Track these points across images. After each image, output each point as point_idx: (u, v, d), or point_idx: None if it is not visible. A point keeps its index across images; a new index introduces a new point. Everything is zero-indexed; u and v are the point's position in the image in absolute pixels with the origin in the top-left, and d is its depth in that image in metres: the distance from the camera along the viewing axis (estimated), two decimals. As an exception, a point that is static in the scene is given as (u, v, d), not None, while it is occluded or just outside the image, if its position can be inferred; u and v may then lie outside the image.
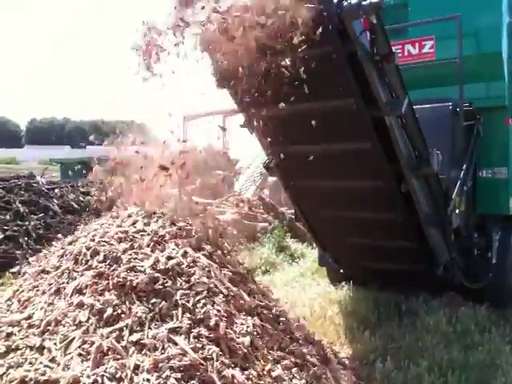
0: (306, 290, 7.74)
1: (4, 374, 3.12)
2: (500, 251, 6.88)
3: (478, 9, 6.65)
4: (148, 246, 3.93)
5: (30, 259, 6.16)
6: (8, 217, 8.89)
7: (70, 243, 4.38)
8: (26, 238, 8.43)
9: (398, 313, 6.29)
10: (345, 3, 4.30)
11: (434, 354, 4.89)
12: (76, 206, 9.96)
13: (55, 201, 9.77)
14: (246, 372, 3.24)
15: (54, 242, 5.19)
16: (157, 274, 3.64)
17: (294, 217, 8.57)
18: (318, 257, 8.23)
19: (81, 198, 10.33)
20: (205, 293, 3.61)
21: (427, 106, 6.44)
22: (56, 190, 10.22)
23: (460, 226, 6.32)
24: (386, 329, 5.76)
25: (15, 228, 8.66)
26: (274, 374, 3.36)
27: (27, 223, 8.83)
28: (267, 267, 9.51)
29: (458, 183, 6.36)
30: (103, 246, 3.97)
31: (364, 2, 4.31)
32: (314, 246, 11.15)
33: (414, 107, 5.39)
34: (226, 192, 13.23)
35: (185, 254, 3.89)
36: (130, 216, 4.42)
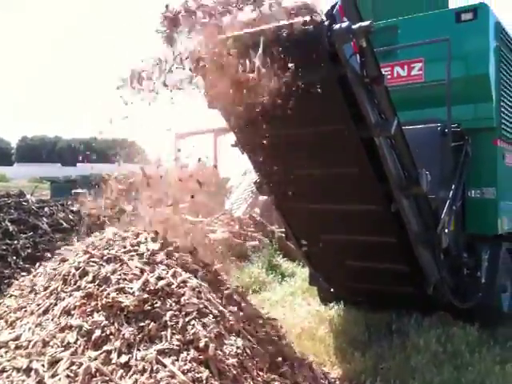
0: (297, 309, 7.72)
1: (-10, 397, 3.07)
2: (489, 271, 6.92)
3: (466, 33, 6.79)
4: (137, 266, 3.91)
5: (19, 278, 6.12)
6: (-3, 236, 8.80)
7: (59, 263, 4.36)
8: (14, 257, 8.32)
9: (389, 332, 6.30)
10: (335, 27, 4.35)
11: (424, 375, 4.89)
12: (65, 224, 9.88)
13: (45, 219, 9.66)
14: (236, 394, 3.22)
15: (42, 262, 5.16)
16: (146, 295, 3.62)
17: (284, 236, 8.58)
18: (308, 276, 8.22)
19: (70, 217, 10.25)
20: (195, 313, 3.60)
21: (416, 126, 6.52)
22: (46, 209, 10.13)
23: (449, 245, 6.36)
24: (377, 349, 5.75)
25: (4, 247, 8.56)
26: (265, 394, 3.34)
27: (16, 242, 8.71)
28: (257, 286, 9.48)
29: (447, 203, 6.41)
30: (92, 266, 3.95)
31: (354, 26, 4.37)
32: (305, 264, 11.20)
33: (403, 128, 5.45)
34: (217, 210, 13.23)
35: (174, 275, 3.88)
36: (119, 236, 4.41)
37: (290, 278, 10.20)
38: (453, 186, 6.68)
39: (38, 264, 4.98)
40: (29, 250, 8.65)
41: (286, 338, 4.49)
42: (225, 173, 16.72)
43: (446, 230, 6.25)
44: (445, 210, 6.31)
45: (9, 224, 9.08)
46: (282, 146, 5.27)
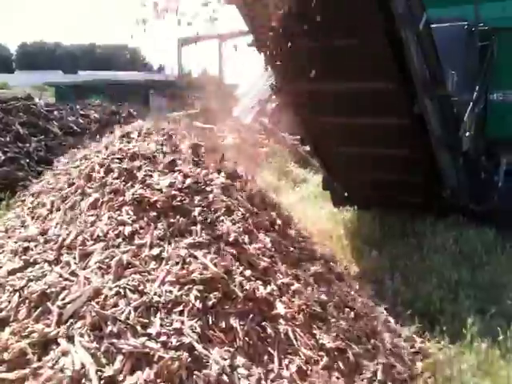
0: (310, 212, 7.78)
1: (24, 286, 3.12)
2: (507, 175, 6.87)
3: None
4: (163, 163, 3.85)
5: (33, 181, 6.11)
6: (8, 139, 8.71)
7: (81, 161, 4.30)
8: (27, 160, 8.31)
9: (404, 234, 6.36)
10: None
11: (443, 273, 4.98)
12: (76, 128, 9.77)
13: (55, 123, 9.56)
14: (267, 286, 3.27)
15: (56, 163, 5.11)
16: (174, 192, 3.59)
17: (300, 141, 8.50)
18: (322, 181, 8.23)
19: (80, 121, 10.13)
20: (223, 210, 3.58)
21: (442, 25, 6.20)
22: (55, 112, 9.99)
23: (469, 149, 6.28)
24: (392, 248, 5.84)
25: (16, 150, 8.51)
26: (293, 287, 3.39)
27: (28, 145, 8.67)
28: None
29: (470, 106, 6.25)
30: (116, 163, 3.90)
31: None
32: (317, 171, 11.20)
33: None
34: (225, 118, 13.04)
35: (201, 172, 3.83)
36: (141, 135, 4.32)
37: (301, 184, 10.22)
38: (476, 88, 6.48)
39: (56, 162, 4.93)
40: (41, 153, 8.62)
41: (307, 236, 4.51)
42: (231, 80, 16.32)
43: (467, 134, 6.14)
44: (467, 113, 6.16)
45: (19, 127, 8.98)
46: (304, 49, 5.07)
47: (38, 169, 8.03)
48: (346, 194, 7.69)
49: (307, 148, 12.28)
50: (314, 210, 7.81)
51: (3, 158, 8.15)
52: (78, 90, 20.65)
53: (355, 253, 5.74)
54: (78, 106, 11.12)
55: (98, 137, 7.19)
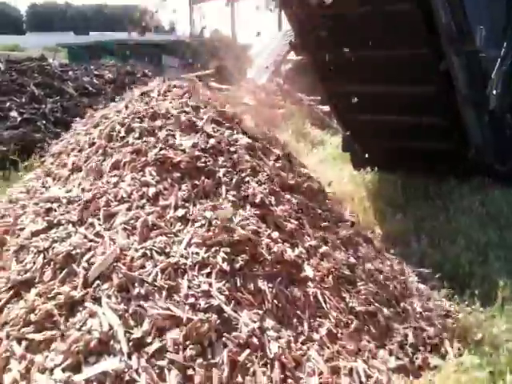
0: (330, 174, 7.64)
1: (49, 247, 3.07)
2: None
3: None
4: (185, 123, 3.74)
5: (50, 143, 6.04)
6: (23, 100, 8.62)
7: (101, 120, 4.19)
8: (43, 122, 8.22)
9: (427, 196, 6.22)
10: None
11: (470, 235, 4.87)
12: (91, 88, 9.64)
13: (70, 83, 9.43)
14: (295, 248, 3.20)
15: (74, 124, 5.01)
16: (198, 152, 3.49)
17: (319, 100, 8.33)
18: (342, 142, 8.07)
19: (95, 81, 9.98)
20: (248, 171, 3.49)
21: None
22: (70, 73, 9.85)
23: (496, 106, 6.08)
24: (417, 211, 5.73)
25: (32, 111, 8.43)
26: (321, 250, 3.32)
27: (43, 106, 8.58)
28: (288, 153, 9.38)
29: (498, 63, 6.02)
30: (138, 122, 3.79)
31: None
32: (334, 132, 11.00)
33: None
34: (240, 79, 12.83)
35: (225, 133, 3.72)
36: (161, 94, 4.20)
37: (319, 146, 10.05)
38: (504, 45, 6.23)
39: (74, 122, 4.83)
40: (57, 115, 8.53)
41: (334, 198, 4.42)
42: (244, 40, 16.00)
43: (495, 92, 5.94)
44: (495, 71, 5.95)
45: (34, 88, 8.88)
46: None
47: (55, 130, 7.96)
48: (366, 156, 7.56)
49: (325, 109, 12.12)
50: (333, 172, 7.66)
51: (19, 119, 8.08)
52: (91, 50, 20.39)
53: (378, 215, 5.63)
54: (92, 67, 10.96)
55: (113, 97, 7.08)
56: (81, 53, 21.43)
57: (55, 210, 3.38)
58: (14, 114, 8.17)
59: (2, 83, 8.79)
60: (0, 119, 8.01)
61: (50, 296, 2.82)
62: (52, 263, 2.98)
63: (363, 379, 2.71)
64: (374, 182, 6.92)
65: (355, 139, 7.16)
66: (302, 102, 12.23)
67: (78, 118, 5.57)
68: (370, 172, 7.30)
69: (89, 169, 3.60)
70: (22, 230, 3.32)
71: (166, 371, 2.52)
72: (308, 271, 3.11)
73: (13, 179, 6.12)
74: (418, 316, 3.40)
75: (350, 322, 3.02)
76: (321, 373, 2.66)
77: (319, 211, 3.69)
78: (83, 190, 3.45)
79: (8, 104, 8.35)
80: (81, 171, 3.66)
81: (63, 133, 5.60)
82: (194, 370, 2.52)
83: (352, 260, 3.42)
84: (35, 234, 3.20)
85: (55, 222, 3.27)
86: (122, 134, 3.74)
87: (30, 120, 8.17)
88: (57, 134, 7.27)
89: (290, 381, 2.58)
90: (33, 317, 2.74)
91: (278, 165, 3.77)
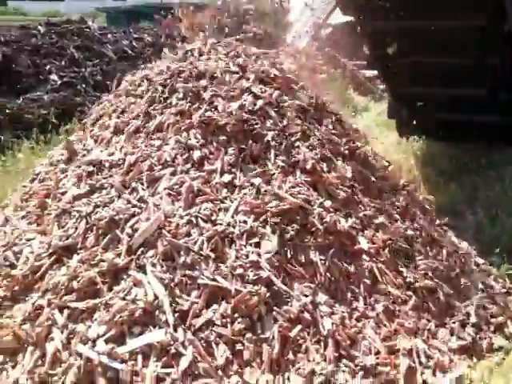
0: (375, 142, 7.33)
1: (92, 212, 2.96)
2: None
3: None
4: (231, 84, 3.53)
5: (90, 106, 5.91)
6: (63, 63, 8.53)
7: (140, 81, 4.01)
8: (83, 85, 8.13)
9: (480, 165, 5.86)
10: None
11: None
12: (130, 52, 9.47)
13: (109, 47, 9.28)
14: (348, 218, 2.99)
15: (115, 85, 4.84)
16: (245, 115, 3.28)
17: (366, 63, 7.96)
18: (388, 108, 7.72)
19: (134, 44, 9.80)
20: (299, 135, 3.27)
21: None
22: (109, 36, 9.69)
23: None
24: (470, 181, 5.40)
25: (72, 74, 8.33)
26: (376, 221, 3.10)
27: (83, 69, 8.47)
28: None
29: None
30: (181, 83, 3.60)
31: None
32: (378, 99, 10.60)
33: None
34: (280, 43, 12.48)
35: (273, 94, 3.49)
36: (204, 53, 3.98)
37: (363, 113, 9.69)
38: None
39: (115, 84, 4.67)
40: (97, 78, 8.42)
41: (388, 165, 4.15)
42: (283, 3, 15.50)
43: None
44: None
45: (74, 51, 8.76)
46: None
47: (95, 94, 7.85)
48: (414, 123, 7.20)
49: (368, 74, 11.68)
50: (379, 140, 7.34)
51: (59, 82, 8.00)
52: (129, 14, 20.14)
53: (429, 185, 5.33)
54: (131, 30, 10.77)
55: (153, 61, 6.88)
56: (119, 17, 21.22)
57: (97, 174, 3.26)
58: (54, 77, 8.09)
59: (42, 46, 8.70)
60: (40, 82, 7.94)
61: (92, 263, 2.72)
62: (95, 229, 2.87)
63: (423, 360, 2.53)
64: (422, 151, 6.59)
65: (403, 105, 6.80)
66: (345, 66, 11.82)
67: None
68: (418, 140, 6.96)
69: (131, 131, 3.45)
70: (63, 193, 3.21)
71: (213, 345, 2.40)
72: (363, 243, 2.91)
73: (54, 143, 6.06)
74: (479, 293, 3.17)
75: (407, 298, 2.82)
76: (377, 352, 2.49)
77: (373, 179, 3.45)
78: (126, 153, 3.30)
79: (48, 67, 8.26)
80: (123, 134, 3.51)
81: (105, 94, 5.48)
82: (242, 344, 2.39)
83: (409, 232, 3.19)
84: (77, 198, 3.09)
85: (97, 186, 3.15)
86: (165, 95, 3.55)
87: (70, 83, 8.08)
88: (96, 97, 7.15)
89: (344, 360, 2.42)
90: (75, 284, 2.65)
91: (330, 129, 3.52)
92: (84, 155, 3.49)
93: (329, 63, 12.52)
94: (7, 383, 2.38)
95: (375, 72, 11.49)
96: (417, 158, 6.31)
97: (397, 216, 3.29)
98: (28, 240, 3.03)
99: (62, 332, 2.49)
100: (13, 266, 2.89)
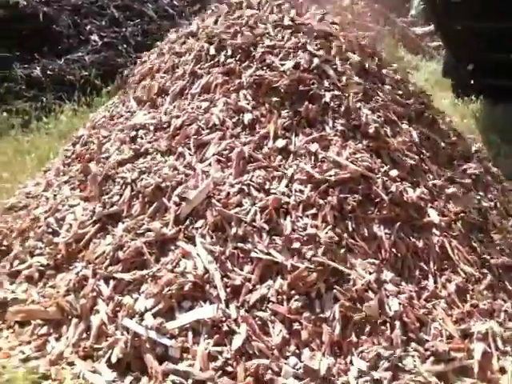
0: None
1: (136, 179, 2.79)
2: None
3: None
4: (285, 40, 3.24)
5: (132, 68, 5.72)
6: (103, 23, 8.33)
7: (185, 39, 3.75)
8: (124, 46, 7.93)
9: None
10: None
11: None
12: (171, 11, 9.19)
13: (149, 5, 9.02)
14: (416, 188, 2.72)
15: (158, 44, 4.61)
16: (300, 74, 3.01)
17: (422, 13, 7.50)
18: (443, 66, 7.27)
19: (175, 3, 9.50)
20: (360, 95, 2.99)
21: None
22: (149, -6, 9.41)
23: None
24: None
25: (112, 35, 8.14)
26: (447, 191, 2.82)
27: (124, 30, 8.26)
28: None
29: None
30: (229, 39, 3.33)
31: None
32: (430, 57, 10.06)
33: None
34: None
35: (331, 51, 3.19)
36: (253, 7, 3.68)
37: (414, 72, 9.19)
38: None
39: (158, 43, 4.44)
40: (138, 38, 8.19)
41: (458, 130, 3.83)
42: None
43: None
44: None
45: (114, 10, 8.53)
46: None
47: (136, 54, 7.65)
48: (471, 82, 6.75)
49: (418, 31, 11.08)
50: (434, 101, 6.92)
51: (100, 43, 7.82)
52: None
53: (492, 150, 4.95)
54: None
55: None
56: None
57: (142, 138, 3.08)
58: (94, 37, 7.90)
59: (82, 5, 8.50)
60: (81, 43, 7.77)
61: (138, 232, 2.58)
62: (140, 196, 2.71)
63: (500, 345, 2.29)
64: (481, 112, 6.16)
65: (460, 58, 6.35)
66: (395, 23, 11.25)
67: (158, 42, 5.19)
68: (475, 101, 6.52)
69: (176, 92, 3.24)
70: (106, 158, 3.05)
71: (268, 323, 2.22)
72: (432, 215, 2.65)
73: (96, 105, 5.92)
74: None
75: (482, 277, 2.57)
76: (450, 336, 2.26)
77: (443, 145, 3.15)
78: (171, 116, 3.10)
79: (89, 27, 8.08)
80: (168, 95, 3.30)
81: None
82: (300, 324, 2.21)
83: (484, 203, 2.91)
84: (121, 163, 2.93)
85: (142, 150, 2.98)
86: (212, 52, 3.31)
87: (110, 44, 7.89)
88: (138, 58, 6.95)
89: (413, 343, 2.20)
90: (121, 254, 2.51)
91: (394, 89, 3.21)
92: (127, 118, 3.31)
93: (378, 20, 11.97)
94: (52, 355, 2.27)
95: (426, 29, 10.98)
96: (477, 120, 5.90)
97: (469, 186, 2.99)
98: (71, 206, 2.90)
99: (107, 304, 2.37)
100: (55, 233, 2.78)
